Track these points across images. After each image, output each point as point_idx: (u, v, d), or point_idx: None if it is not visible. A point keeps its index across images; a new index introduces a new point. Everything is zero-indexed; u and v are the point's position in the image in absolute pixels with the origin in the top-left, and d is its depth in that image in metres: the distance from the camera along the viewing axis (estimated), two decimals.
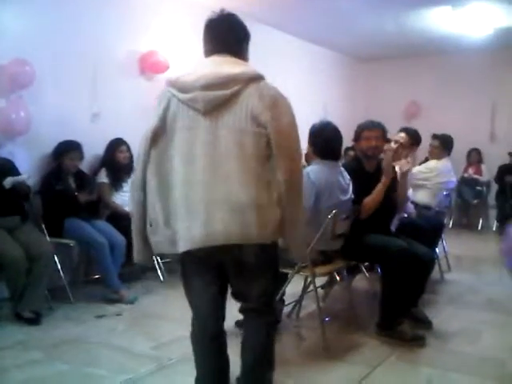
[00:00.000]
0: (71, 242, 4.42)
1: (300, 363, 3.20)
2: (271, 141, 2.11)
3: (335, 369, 3.14)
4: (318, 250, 3.47)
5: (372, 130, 3.80)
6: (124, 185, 5.02)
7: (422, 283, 3.82)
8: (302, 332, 3.85)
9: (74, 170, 4.61)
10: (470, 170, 8.55)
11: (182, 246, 2.18)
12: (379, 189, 3.71)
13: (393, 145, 4.61)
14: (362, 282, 4.68)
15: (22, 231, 4.06)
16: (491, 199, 8.54)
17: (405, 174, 3.99)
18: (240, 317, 2.46)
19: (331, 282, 4.32)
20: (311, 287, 3.65)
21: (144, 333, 3.69)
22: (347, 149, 6.75)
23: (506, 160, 8.25)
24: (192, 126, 2.15)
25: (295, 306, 4.01)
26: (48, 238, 4.28)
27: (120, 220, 4.78)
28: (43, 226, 4.38)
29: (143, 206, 2.27)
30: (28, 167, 4.37)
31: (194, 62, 2.33)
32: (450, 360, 3.28)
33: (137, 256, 2.39)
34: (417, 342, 3.48)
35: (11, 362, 3.17)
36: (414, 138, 4.82)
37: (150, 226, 2.26)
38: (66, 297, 4.32)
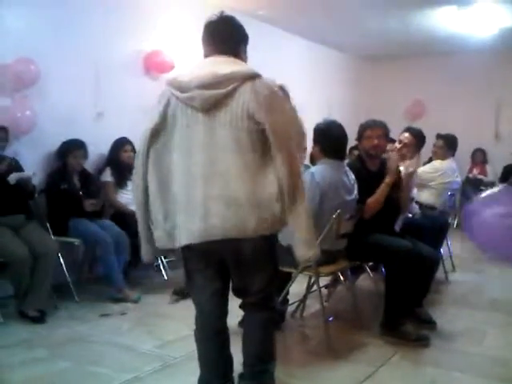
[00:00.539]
0: (76, 241, 4.44)
1: (304, 362, 3.21)
2: (268, 137, 2.14)
3: (339, 368, 3.14)
4: (322, 249, 3.46)
5: (374, 129, 3.79)
6: (128, 184, 5.02)
7: (427, 283, 3.82)
8: (306, 331, 3.85)
9: (79, 169, 4.62)
10: (475, 171, 8.53)
11: (182, 240, 2.23)
12: (382, 188, 3.71)
13: (397, 145, 4.61)
14: (366, 281, 4.67)
15: (26, 230, 4.07)
16: None
17: (410, 174, 3.99)
18: (242, 316, 2.47)
19: (335, 282, 4.32)
20: (315, 287, 3.65)
21: (148, 332, 3.70)
22: (352, 148, 6.74)
23: (511, 160, 8.22)
24: (190, 124, 2.20)
25: (299, 305, 4.01)
26: (53, 237, 4.29)
27: (124, 219, 4.79)
28: (48, 224, 4.39)
29: (145, 206, 2.32)
30: (33, 166, 4.38)
31: (193, 62, 2.36)
32: (454, 360, 3.28)
33: (143, 255, 2.42)
34: (421, 342, 3.48)
35: (16, 360, 3.18)
36: (418, 138, 4.78)
37: (152, 223, 2.31)
38: (71, 295, 4.33)
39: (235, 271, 2.35)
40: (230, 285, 2.45)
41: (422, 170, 5.35)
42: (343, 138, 3.57)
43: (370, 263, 4.54)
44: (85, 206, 4.50)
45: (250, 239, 2.20)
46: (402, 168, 4.07)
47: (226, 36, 2.34)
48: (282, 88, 2.43)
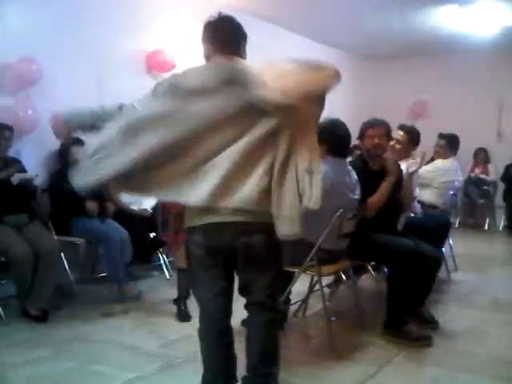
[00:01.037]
0: (78, 240, 4.44)
1: (306, 362, 3.21)
2: None
3: (341, 368, 3.14)
4: (324, 249, 3.46)
5: (375, 128, 3.79)
6: None
7: (429, 283, 3.82)
8: (308, 331, 3.85)
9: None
10: (477, 170, 8.52)
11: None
12: (385, 187, 3.70)
13: (391, 143, 4.58)
14: (369, 281, 4.67)
15: (29, 229, 4.07)
16: (498, 199, 8.51)
17: (411, 174, 3.98)
18: (246, 316, 2.47)
19: (337, 282, 4.32)
20: (317, 286, 3.65)
21: (151, 331, 3.70)
22: (354, 147, 6.74)
23: None
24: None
25: (301, 305, 4.01)
26: (55, 236, 4.29)
27: (126, 218, 4.80)
28: (50, 223, 4.40)
29: None
30: (35, 165, 4.39)
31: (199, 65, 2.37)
32: (456, 360, 3.28)
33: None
34: (423, 341, 3.48)
35: (19, 359, 3.19)
36: (411, 135, 4.71)
37: None
38: (73, 294, 4.34)
39: (243, 266, 2.37)
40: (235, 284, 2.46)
41: (424, 169, 5.34)
42: (347, 136, 3.57)
43: (373, 263, 4.55)
44: (87, 210, 4.51)
45: (259, 231, 2.24)
46: (403, 167, 4.07)
47: (227, 35, 2.38)
48: None
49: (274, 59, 2.28)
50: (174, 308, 3.98)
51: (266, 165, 2.22)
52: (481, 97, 8.61)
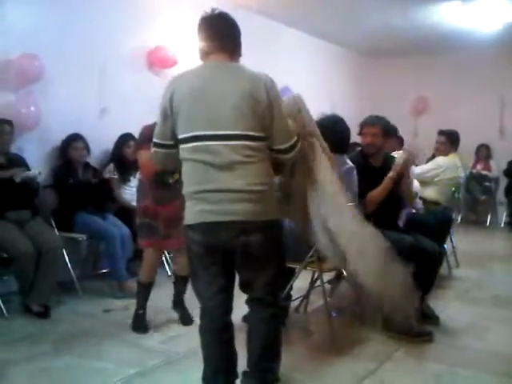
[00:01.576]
0: (80, 237, 4.46)
1: (307, 358, 3.21)
2: None
3: (342, 364, 3.15)
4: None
5: (369, 127, 3.78)
6: (132, 179, 5.04)
7: (431, 279, 3.81)
8: (310, 327, 3.86)
9: (82, 161, 4.63)
10: (479, 166, 8.51)
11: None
12: (386, 183, 3.70)
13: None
14: None
15: (31, 225, 4.09)
16: (500, 195, 8.50)
17: (405, 162, 3.87)
18: (246, 311, 2.48)
19: (338, 278, 4.32)
20: (318, 282, 3.66)
21: (152, 327, 3.71)
22: (355, 144, 6.73)
23: None
24: None
25: (302, 300, 4.01)
26: (57, 233, 4.31)
27: (127, 214, 4.81)
28: (53, 220, 4.41)
29: None
30: (37, 162, 4.40)
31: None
32: (457, 355, 3.28)
33: None
34: (424, 337, 3.48)
35: (20, 355, 3.20)
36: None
37: None
38: (75, 291, 4.35)
39: (243, 264, 2.37)
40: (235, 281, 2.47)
41: (425, 167, 5.35)
42: (347, 132, 3.57)
43: None
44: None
45: (258, 228, 2.26)
46: (396, 155, 4.04)
47: (225, 32, 2.39)
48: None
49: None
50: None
51: None
52: (483, 93, 8.58)
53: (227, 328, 2.45)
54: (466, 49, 8.37)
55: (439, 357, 3.26)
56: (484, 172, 8.46)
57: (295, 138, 2.44)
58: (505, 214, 8.39)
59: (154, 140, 2.46)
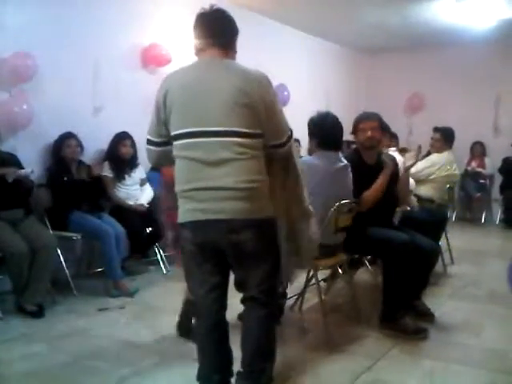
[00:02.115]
0: (75, 235, 4.44)
1: (303, 356, 3.21)
2: None
3: (338, 361, 3.15)
4: (320, 243, 3.46)
5: (367, 122, 3.79)
6: (127, 178, 5.03)
7: (426, 275, 3.83)
8: (305, 325, 3.86)
9: (76, 158, 4.62)
10: (474, 163, 8.53)
11: None
12: (381, 180, 3.70)
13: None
14: (365, 275, 4.69)
15: (25, 224, 4.06)
16: (495, 192, 8.52)
17: (408, 168, 3.99)
18: (242, 309, 2.47)
19: (334, 275, 4.33)
20: (314, 280, 3.65)
21: (147, 325, 3.70)
22: (350, 142, 6.73)
23: (509, 152, 8.22)
24: None
25: (298, 299, 4.01)
26: (51, 231, 4.29)
27: (122, 213, 4.80)
28: (47, 219, 4.39)
29: None
30: (30, 160, 4.37)
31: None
32: (452, 352, 3.29)
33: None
34: (419, 334, 3.48)
35: (15, 355, 3.18)
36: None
37: None
38: (69, 290, 4.34)
39: (236, 263, 2.37)
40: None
41: (420, 164, 5.35)
42: (337, 129, 3.56)
43: (369, 257, 4.55)
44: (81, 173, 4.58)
45: (249, 225, 2.26)
46: (399, 161, 4.06)
47: (222, 29, 2.38)
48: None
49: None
50: (170, 303, 3.99)
51: None
52: (477, 90, 8.60)
53: (221, 326, 2.45)
54: (461, 46, 8.39)
55: (434, 354, 3.26)
56: (479, 169, 8.47)
57: (289, 133, 2.44)
58: (500, 211, 8.41)
59: (148, 137, 2.45)
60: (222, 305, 2.44)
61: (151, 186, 5.24)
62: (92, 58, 4.95)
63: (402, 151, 5.44)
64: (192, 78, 2.33)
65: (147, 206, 5.09)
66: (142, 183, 5.19)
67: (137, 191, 5.12)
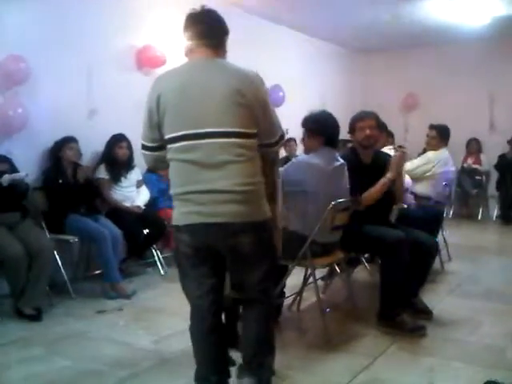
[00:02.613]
0: (72, 238, 4.44)
1: (301, 355, 3.21)
2: None
3: (336, 360, 3.15)
4: (317, 241, 3.47)
5: (365, 120, 3.79)
6: (123, 180, 5.02)
7: (425, 271, 3.83)
8: (303, 324, 3.86)
9: (75, 160, 4.61)
10: (470, 160, 8.53)
11: None
12: (381, 184, 3.69)
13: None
14: (362, 273, 4.69)
15: (22, 228, 4.06)
16: (491, 189, 8.54)
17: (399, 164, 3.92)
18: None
19: (331, 274, 4.33)
20: (311, 279, 3.65)
21: (145, 327, 3.70)
22: (346, 141, 6.73)
23: (505, 149, 8.24)
24: None
25: (296, 298, 4.01)
26: (48, 235, 4.28)
27: (119, 215, 4.79)
28: (43, 222, 4.39)
29: None
30: (25, 164, 4.36)
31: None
32: (450, 349, 3.29)
33: None
34: (417, 332, 3.49)
35: (13, 358, 3.18)
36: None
37: None
38: (67, 293, 4.33)
39: (232, 264, 2.36)
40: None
41: (415, 162, 5.36)
42: (338, 127, 3.58)
43: (366, 255, 4.56)
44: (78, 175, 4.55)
45: (247, 227, 2.25)
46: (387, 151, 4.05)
47: (212, 29, 2.37)
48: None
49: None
50: (168, 304, 3.98)
51: None
52: (472, 87, 8.61)
53: (218, 327, 2.44)
54: (455, 43, 8.40)
55: (432, 351, 3.27)
56: (475, 166, 8.49)
57: (280, 132, 2.46)
58: (496, 208, 8.42)
59: (142, 142, 2.43)
60: (219, 307, 2.43)
61: (147, 188, 5.24)
62: (86, 60, 4.95)
63: (399, 148, 5.43)
64: (186, 79, 2.31)
65: (144, 207, 5.09)
66: (139, 185, 5.19)
67: (133, 193, 5.11)
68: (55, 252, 4.19)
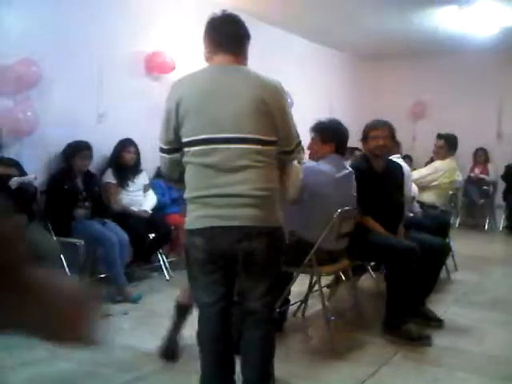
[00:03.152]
0: (78, 242, 4.45)
1: (306, 362, 3.20)
2: None
3: (341, 368, 3.14)
4: (323, 249, 3.47)
5: (378, 129, 3.80)
6: (130, 184, 5.04)
7: (434, 277, 3.83)
8: (308, 331, 3.85)
9: (84, 170, 4.63)
10: (477, 170, 8.52)
11: None
12: (380, 231, 3.70)
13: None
14: (368, 281, 4.68)
15: (28, 230, 4.07)
16: (498, 199, 8.51)
17: None
18: None
19: (337, 282, 4.32)
20: (317, 287, 3.65)
21: (150, 331, 3.70)
22: (353, 149, 6.73)
23: None
24: None
25: (301, 305, 4.01)
26: (55, 238, 4.30)
27: (126, 219, 4.81)
28: (50, 225, 4.40)
29: None
30: (34, 167, 4.39)
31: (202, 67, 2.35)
32: (455, 359, 3.28)
33: None
34: (422, 341, 3.48)
35: (17, 361, 3.17)
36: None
37: None
38: None
39: (242, 272, 2.34)
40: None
41: (423, 171, 5.36)
42: (348, 135, 3.59)
43: (372, 263, 4.55)
44: (76, 211, 4.53)
45: (259, 237, 2.26)
46: (404, 165, 4.06)
47: (233, 35, 2.34)
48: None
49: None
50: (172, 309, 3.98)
51: None
52: (480, 97, 8.60)
53: (226, 335, 2.43)
54: (464, 53, 8.39)
55: (438, 360, 3.25)
56: (482, 176, 8.46)
57: (298, 140, 2.47)
58: (503, 218, 8.39)
59: (160, 145, 2.42)
60: (228, 315, 2.42)
61: (154, 193, 5.26)
62: (96, 65, 4.98)
63: (405, 158, 5.46)
64: (209, 84, 2.30)
65: (150, 212, 5.10)
66: (146, 189, 5.21)
67: (140, 197, 5.13)
68: (61, 255, 4.20)
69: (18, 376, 3.01)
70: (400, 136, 5.97)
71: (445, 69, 8.89)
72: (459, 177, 5.52)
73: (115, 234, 4.50)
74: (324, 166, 3.46)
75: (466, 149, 7.09)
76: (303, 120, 4.48)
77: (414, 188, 4.82)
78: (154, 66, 5.56)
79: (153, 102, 4.88)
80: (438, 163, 5.34)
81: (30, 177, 4.09)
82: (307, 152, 3.80)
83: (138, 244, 4.76)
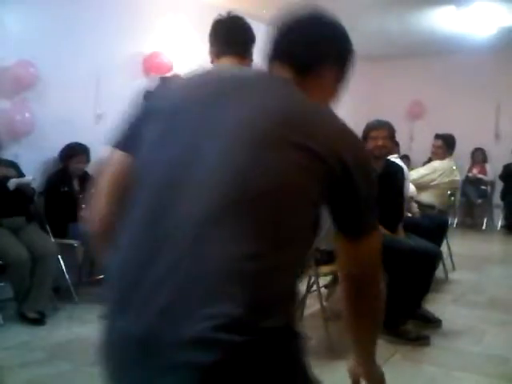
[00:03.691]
0: (75, 243, 4.44)
1: None
2: None
3: (339, 368, 3.12)
4: (321, 249, 3.47)
5: (379, 130, 3.80)
6: None
7: (428, 280, 3.82)
8: (306, 331, 3.84)
9: (80, 173, 4.62)
10: (475, 170, 8.53)
11: None
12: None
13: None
14: None
15: (26, 232, 4.07)
16: (496, 199, 8.52)
17: None
18: None
19: (335, 282, 4.31)
20: (315, 287, 3.65)
21: None
22: None
23: (510, 159, 8.24)
24: None
25: (299, 305, 4.01)
26: (52, 239, 4.30)
27: None
28: (48, 226, 4.40)
29: None
30: (32, 169, 4.39)
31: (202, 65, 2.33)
32: (454, 359, 3.28)
33: None
34: (421, 341, 3.48)
35: (16, 362, 3.18)
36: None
37: None
38: (71, 297, 4.34)
39: None
40: None
41: (421, 171, 5.36)
42: None
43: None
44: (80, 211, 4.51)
45: None
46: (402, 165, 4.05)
47: (239, 37, 2.32)
48: None
49: None
50: None
51: None
52: (478, 97, 8.61)
53: None
54: (461, 53, 8.41)
55: (436, 360, 3.26)
56: (480, 175, 8.48)
57: None
58: (501, 217, 8.40)
59: None
60: None
61: None
62: (94, 66, 4.98)
63: (403, 158, 5.47)
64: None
65: None
66: None
67: None
68: (59, 256, 4.20)
69: (17, 377, 3.01)
70: (398, 136, 5.93)
71: (442, 69, 8.90)
72: (457, 177, 5.52)
73: None
74: None
75: (463, 149, 7.11)
76: None
77: (412, 188, 4.82)
78: (152, 67, 5.56)
79: None
80: (436, 163, 5.35)
81: (28, 178, 4.09)
82: None
83: None
